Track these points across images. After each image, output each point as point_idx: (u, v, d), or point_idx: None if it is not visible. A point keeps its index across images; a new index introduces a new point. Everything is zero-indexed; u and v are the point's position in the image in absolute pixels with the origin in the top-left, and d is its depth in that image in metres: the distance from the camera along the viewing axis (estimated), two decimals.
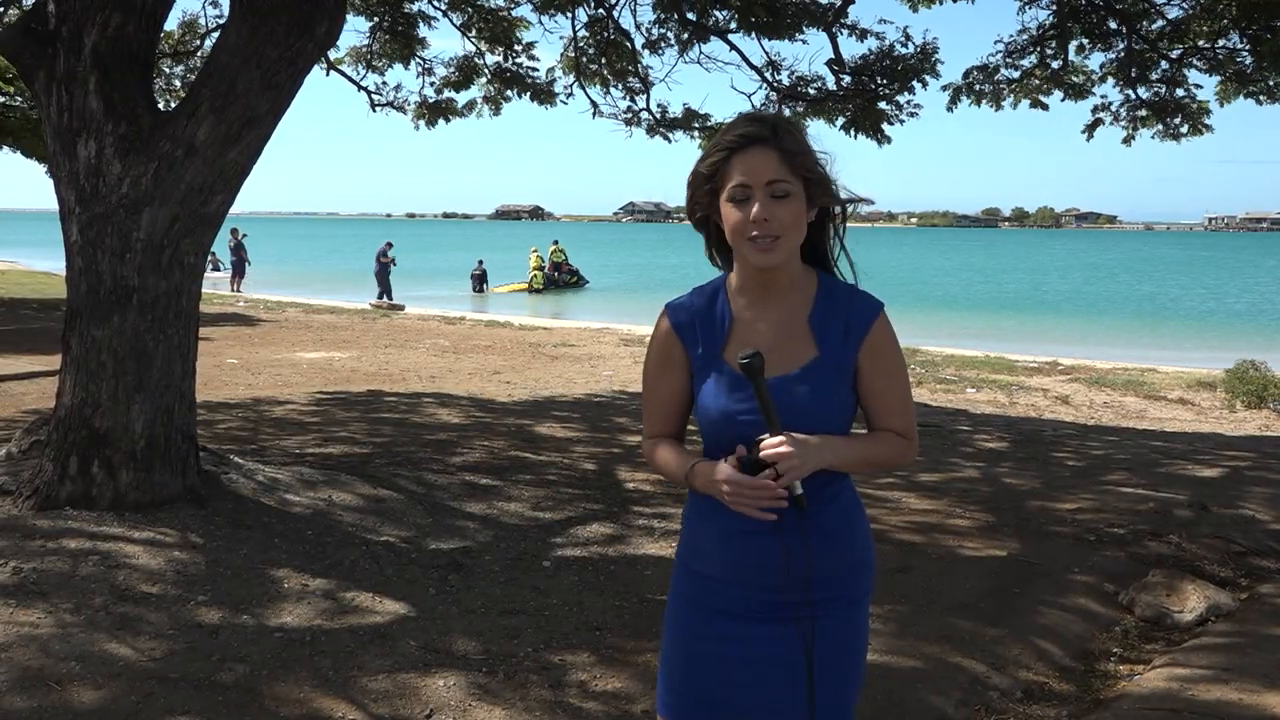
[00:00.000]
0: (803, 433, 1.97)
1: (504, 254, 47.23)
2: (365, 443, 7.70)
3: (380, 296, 27.39)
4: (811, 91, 10.45)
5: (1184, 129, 10.28)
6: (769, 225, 1.97)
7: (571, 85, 11.44)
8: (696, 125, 11.29)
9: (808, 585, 2.05)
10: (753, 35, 9.97)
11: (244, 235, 30.38)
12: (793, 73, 10.52)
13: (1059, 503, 6.49)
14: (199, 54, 11.73)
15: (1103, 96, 10.60)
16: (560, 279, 36.14)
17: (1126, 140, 10.62)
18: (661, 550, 5.29)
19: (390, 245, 29.01)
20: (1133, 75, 10.09)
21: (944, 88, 10.58)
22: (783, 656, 2.08)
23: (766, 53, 10.60)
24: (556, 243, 37.56)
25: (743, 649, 2.10)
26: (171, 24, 11.54)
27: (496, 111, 11.87)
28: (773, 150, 1.97)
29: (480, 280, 34.31)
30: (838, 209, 2.11)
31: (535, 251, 36.27)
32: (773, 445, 1.94)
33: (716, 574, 2.13)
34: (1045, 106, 10.56)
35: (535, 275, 34.10)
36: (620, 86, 11.33)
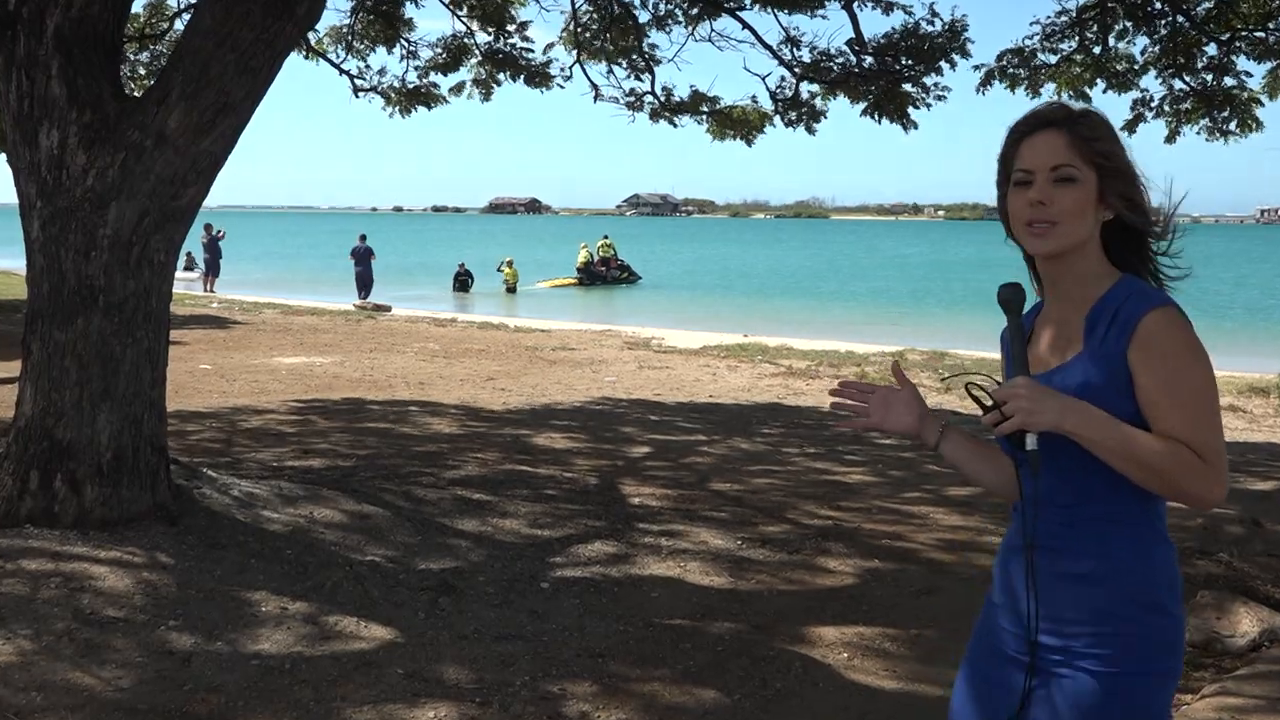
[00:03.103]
0: (1060, 439, 1.89)
1: (500, 250, 47.20)
2: (349, 455, 7.71)
3: (364, 296, 27.42)
4: (834, 69, 10.42)
5: (1232, 124, 10.23)
6: (1045, 210, 1.96)
7: (570, 67, 11.44)
8: (705, 109, 11.28)
9: (1030, 624, 1.94)
10: (769, 9, 9.96)
11: (219, 232, 30.45)
12: (813, 48, 10.47)
13: None
14: (167, 38, 11.76)
15: (1144, 90, 10.56)
16: (610, 275, 36.58)
17: (1170, 138, 10.58)
18: (669, 570, 5.29)
19: (364, 237, 28.89)
20: (1178, 62, 10.04)
21: (975, 68, 10.55)
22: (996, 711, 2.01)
23: (784, 28, 10.55)
24: (606, 238, 38.28)
25: (971, 685, 2.12)
26: (137, 6, 11.57)
27: (487, 96, 11.86)
28: (1062, 134, 1.97)
29: (464, 279, 34.10)
30: (1134, 206, 2.01)
31: (585, 246, 37.32)
32: (1009, 385, 1.90)
33: (993, 596, 2.12)
34: (1087, 98, 10.53)
35: (509, 275, 33.88)
36: (624, 65, 11.31)
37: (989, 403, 1.93)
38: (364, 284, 28.16)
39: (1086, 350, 1.95)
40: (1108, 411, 1.88)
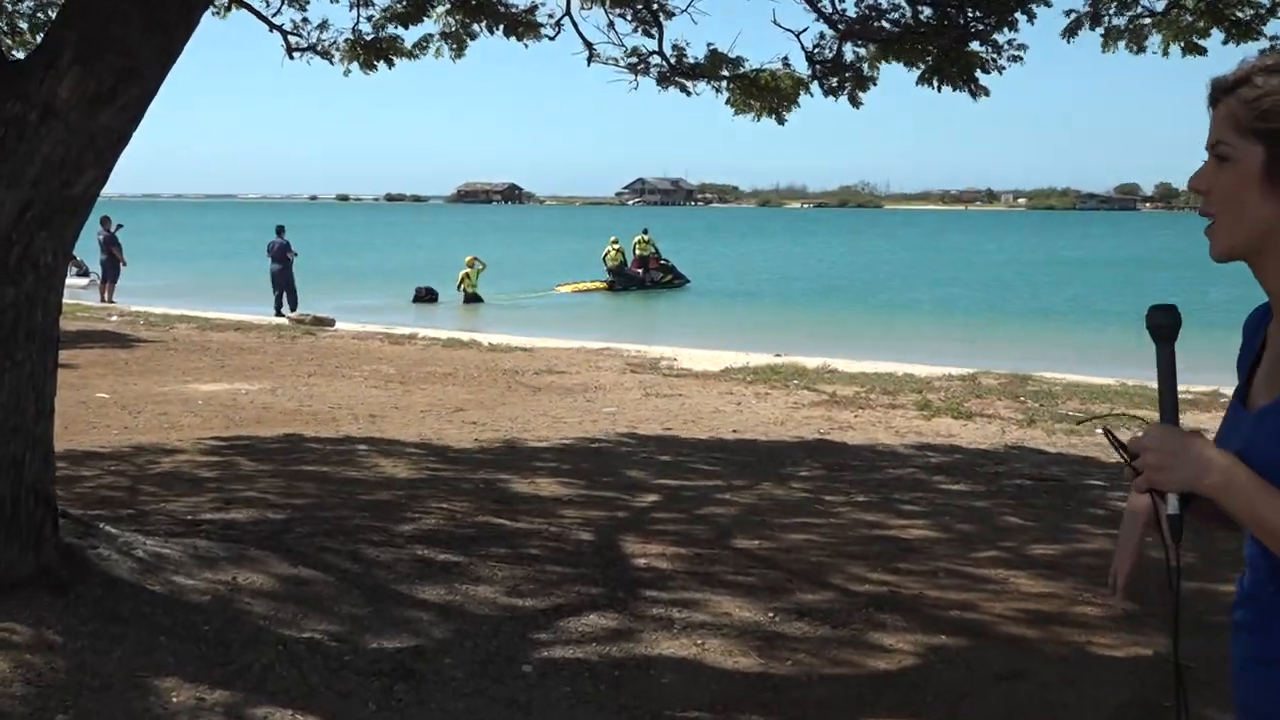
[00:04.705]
0: None
1: (472, 249, 47.25)
2: (282, 505, 7.71)
3: (293, 307, 27.47)
4: (886, 26, 10.43)
5: None
6: (1205, 201, 1.91)
7: (560, 17, 11.45)
8: (725, 73, 11.30)
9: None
10: None
11: (118, 226, 30.55)
12: None
13: (1224, 584, 6.45)
14: None
15: (1273, 38, 10.59)
16: (649, 278, 36.63)
17: None
18: (683, 649, 5.28)
19: (281, 229, 28.87)
20: None
21: (1067, 13, 10.50)
22: None
23: None
24: (645, 232, 38.34)
25: None
26: None
27: (459, 53, 11.86)
28: (1227, 100, 1.89)
29: (427, 295, 33.90)
30: None
31: (615, 242, 37.39)
32: (1143, 434, 1.86)
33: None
34: (1202, 51, 10.55)
35: (466, 276, 33.51)
36: (627, 17, 11.32)
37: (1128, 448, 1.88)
38: (281, 286, 28.17)
39: None
40: None
